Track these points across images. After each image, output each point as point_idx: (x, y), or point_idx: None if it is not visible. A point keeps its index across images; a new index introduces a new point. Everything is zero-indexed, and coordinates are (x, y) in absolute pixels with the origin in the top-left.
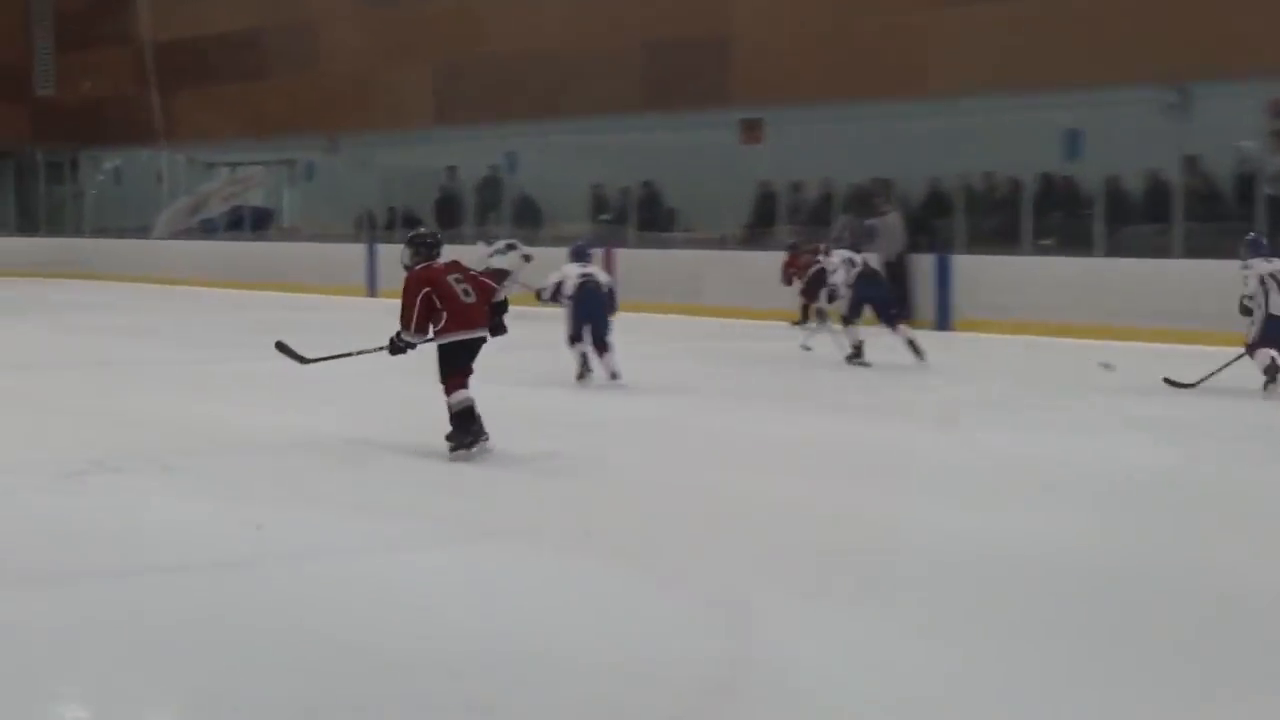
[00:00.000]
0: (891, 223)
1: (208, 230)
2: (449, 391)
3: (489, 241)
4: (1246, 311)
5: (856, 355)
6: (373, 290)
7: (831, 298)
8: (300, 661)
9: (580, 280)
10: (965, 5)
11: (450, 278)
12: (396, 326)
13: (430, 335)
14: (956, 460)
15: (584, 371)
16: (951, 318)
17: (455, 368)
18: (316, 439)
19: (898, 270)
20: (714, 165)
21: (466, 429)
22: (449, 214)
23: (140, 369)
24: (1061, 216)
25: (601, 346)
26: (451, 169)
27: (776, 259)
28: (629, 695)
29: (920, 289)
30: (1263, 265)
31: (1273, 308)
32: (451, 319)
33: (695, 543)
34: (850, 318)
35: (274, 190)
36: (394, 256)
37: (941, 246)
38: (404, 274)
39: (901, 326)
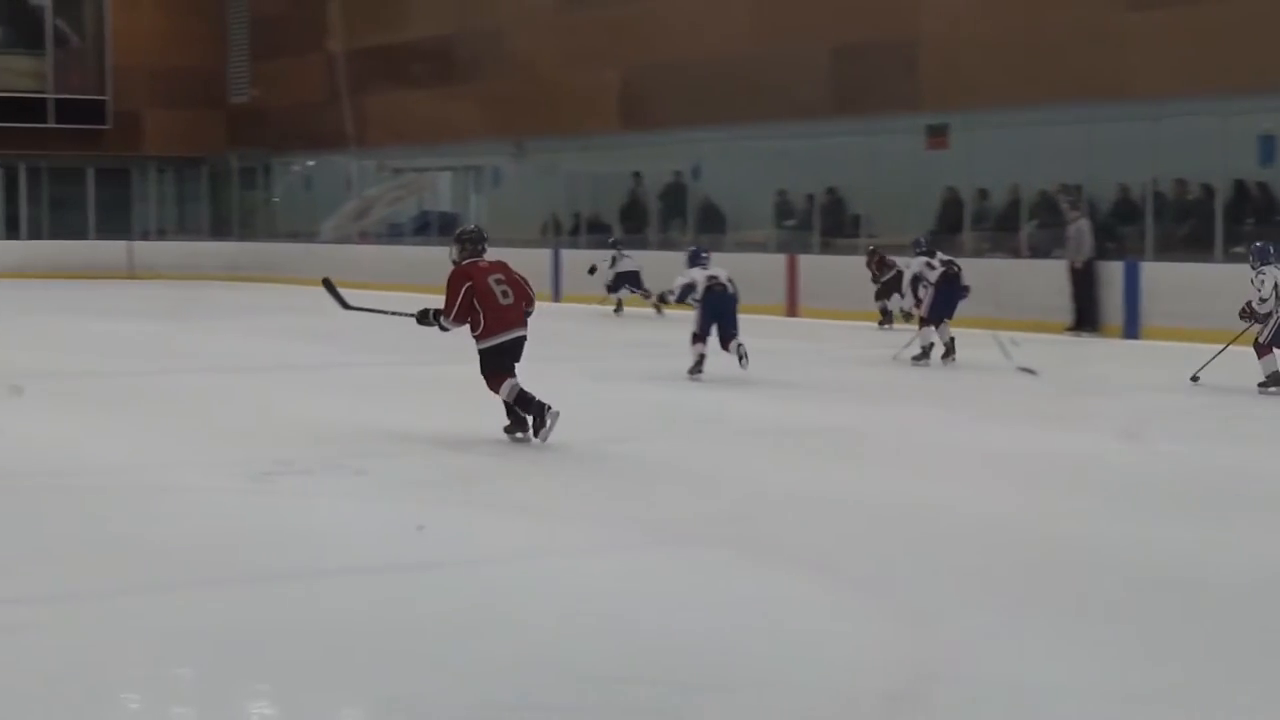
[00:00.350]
0: (1080, 229)
1: (394, 235)
2: (496, 388)
3: (614, 244)
4: (1247, 315)
5: (924, 356)
6: (557, 296)
7: (918, 302)
8: (486, 666)
9: (708, 283)
10: (1158, 7)
11: (491, 278)
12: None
13: (472, 332)
14: (1145, 470)
15: (697, 369)
16: (1139, 325)
17: (497, 370)
18: (503, 443)
19: (1085, 277)
20: (899, 171)
21: (525, 412)
22: (634, 220)
23: (330, 372)
24: (1255, 224)
25: (729, 340)
26: (636, 175)
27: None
28: (814, 706)
29: (1108, 296)
30: (1276, 271)
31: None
32: (489, 323)
33: (882, 552)
34: (930, 319)
35: (460, 195)
36: (580, 262)
37: (1130, 253)
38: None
39: (945, 325)
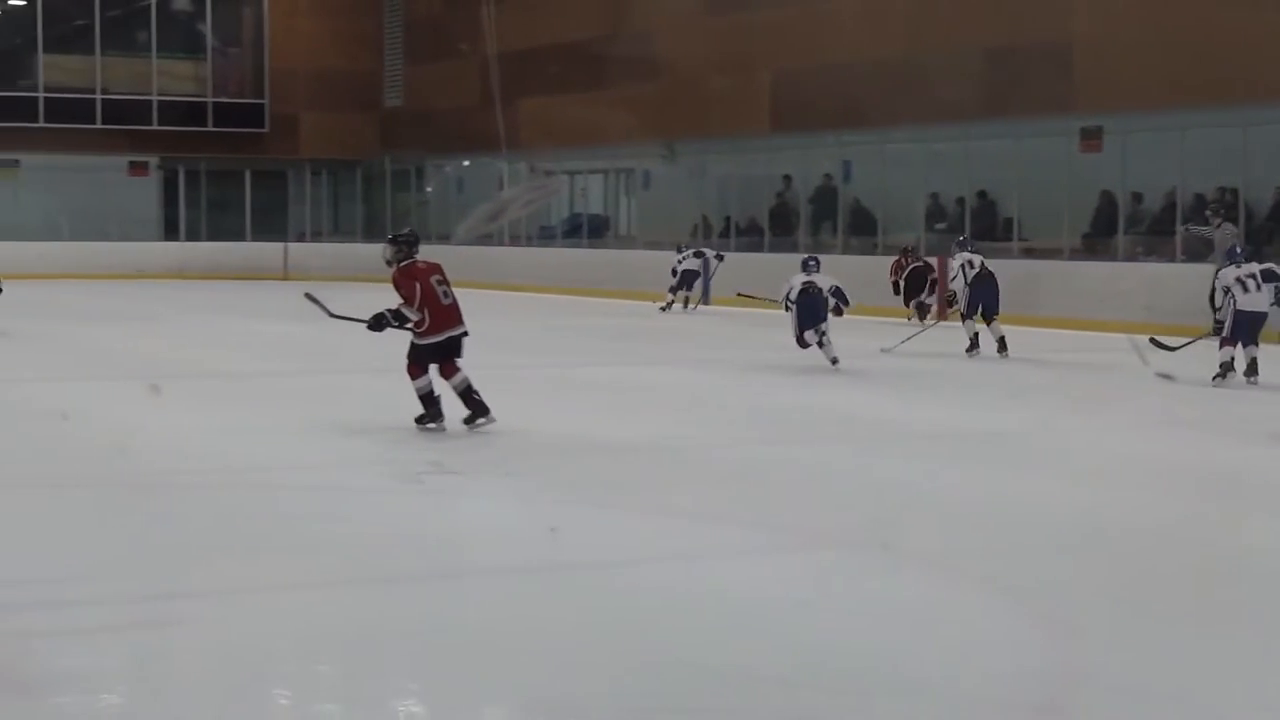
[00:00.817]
0: (1225, 235)
1: (546, 237)
2: (414, 377)
3: (680, 249)
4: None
5: (973, 347)
6: (706, 299)
7: (952, 301)
8: (631, 667)
9: (802, 287)
10: None
11: (432, 279)
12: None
13: (416, 329)
14: None
15: (802, 345)
16: None
17: (421, 363)
18: (660, 445)
19: None
20: (1052, 174)
21: (426, 408)
22: (783, 223)
23: (484, 373)
24: None
25: (820, 336)
26: (786, 178)
27: (1115, 270)
28: (967, 714)
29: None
30: (1232, 271)
31: (1241, 305)
32: (433, 321)
33: (1038, 560)
34: (967, 315)
35: (611, 198)
36: (732, 264)
37: None
38: (390, 271)
39: (995, 323)
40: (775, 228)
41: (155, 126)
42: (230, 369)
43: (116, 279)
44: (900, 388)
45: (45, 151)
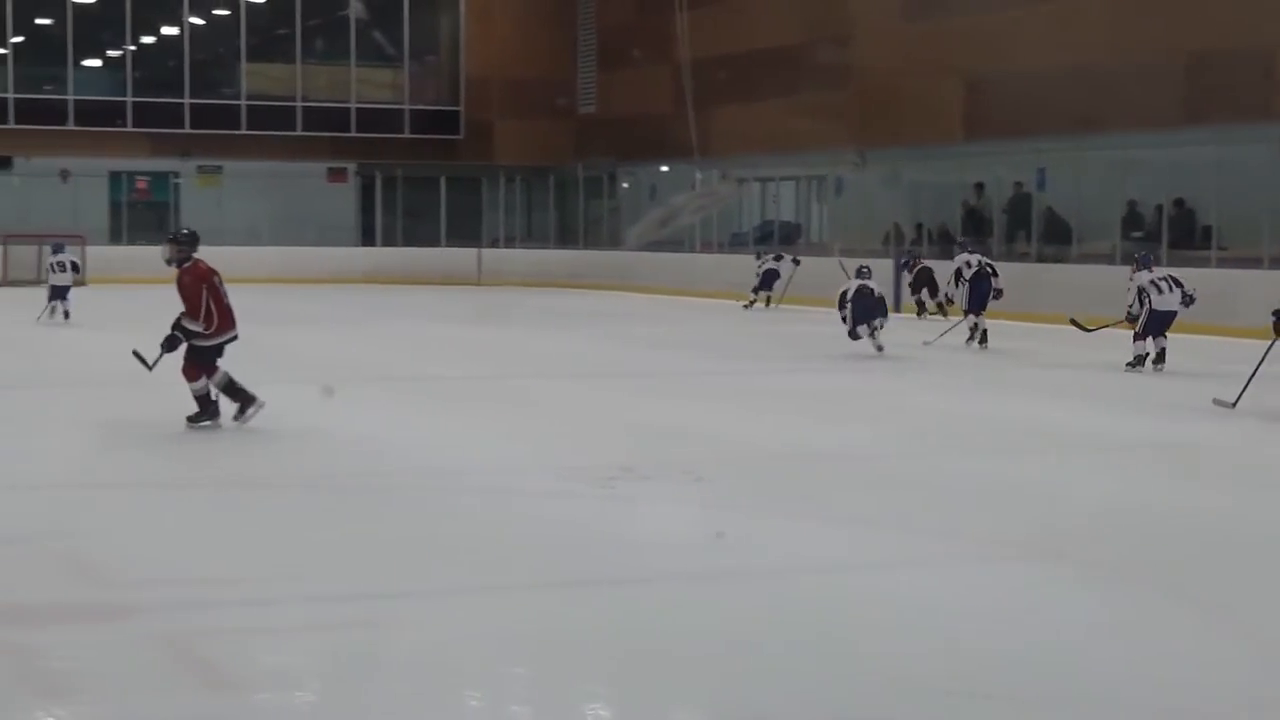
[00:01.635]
0: None
1: (738, 244)
2: (194, 379)
3: (759, 255)
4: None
5: (981, 338)
6: (897, 305)
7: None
8: (821, 676)
9: (858, 288)
10: None
11: (216, 278)
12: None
13: (205, 329)
14: None
15: (854, 337)
16: None
17: (201, 364)
18: (849, 453)
19: None
20: (1252, 182)
21: (210, 406)
22: (976, 230)
23: (676, 379)
24: None
25: (871, 329)
26: (979, 185)
27: None
28: None
29: None
30: (1145, 275)
31: (1156, 305)
32: (221, 321)
33: (1232, 575)
34: (970, 309)
35: (803, 205)
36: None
37: None
38: (175, 271)
39: (982, 315)
40: (968, 235)
41: (353, 133)
42: (427, 373)
43: (314, 284)
44: (1091, 399)
45: (247, 158)
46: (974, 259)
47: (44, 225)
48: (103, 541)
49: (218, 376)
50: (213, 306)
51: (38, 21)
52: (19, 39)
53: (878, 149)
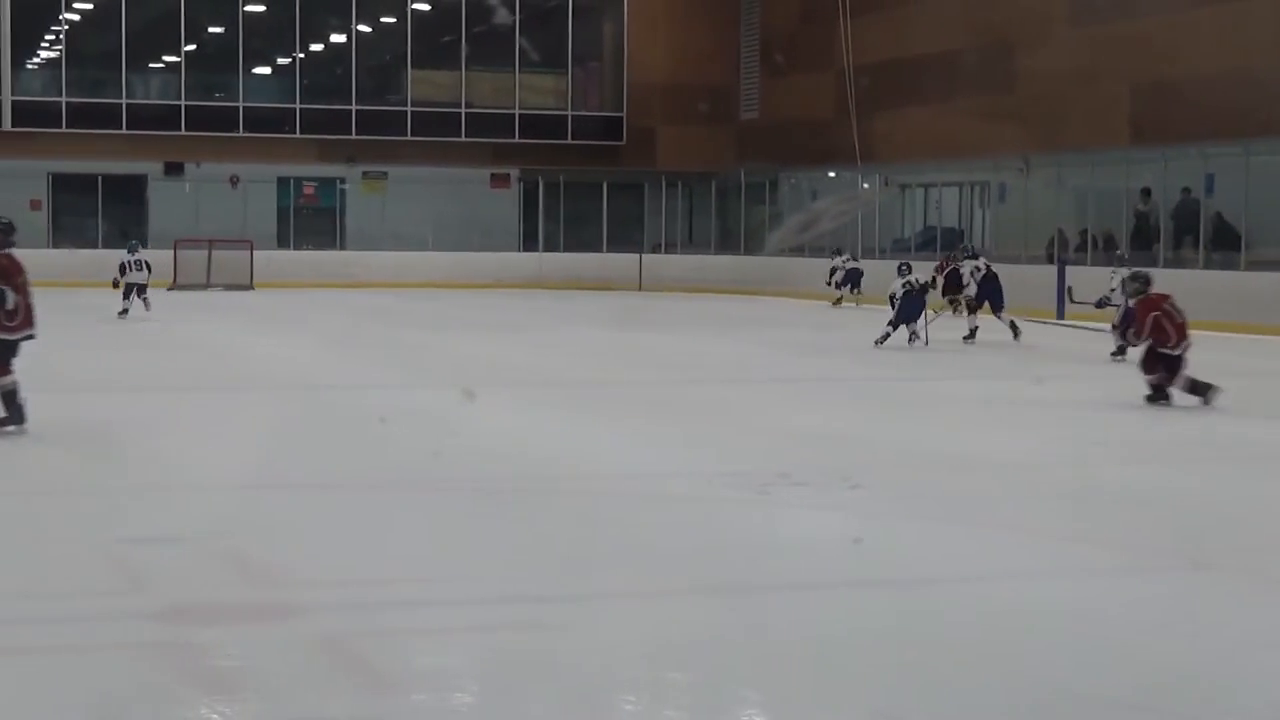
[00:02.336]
0: None
1: (900, 250)
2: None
3: (833, 255)
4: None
5: (971, 336)
6: (1060, 314)
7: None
8: (973, 684)
9: (904, 288)
10: None
11: (26, 274)
12: None
13: (8, 323)
14: None
15: (882, 341)
16: None
17: (4, 359)
18: (1004, 460)
19: None
20: None
21: (14, 409)
22: (1143, 237)
23: (832, 385)
24: None
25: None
26: (1145, 191)
27: None
28: None
29: None
30: (1124, 272)
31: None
32: (25, 316)
33: None
34: (974, 307)
35: (965, 210)
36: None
37: None
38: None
39: (1003, 313)
40: (1134, 242)
41: (516, 139)
42: (586, 378)
43: (476, 289)
44: (1247, 408)
45: (412, 164)
46: (981, 263)
47: (214, 230)
48: (266, 542)
49: (7, 380)
50: (18, 300)
51: (210, 30)
52: (191, 47)
53: (1042, 154)
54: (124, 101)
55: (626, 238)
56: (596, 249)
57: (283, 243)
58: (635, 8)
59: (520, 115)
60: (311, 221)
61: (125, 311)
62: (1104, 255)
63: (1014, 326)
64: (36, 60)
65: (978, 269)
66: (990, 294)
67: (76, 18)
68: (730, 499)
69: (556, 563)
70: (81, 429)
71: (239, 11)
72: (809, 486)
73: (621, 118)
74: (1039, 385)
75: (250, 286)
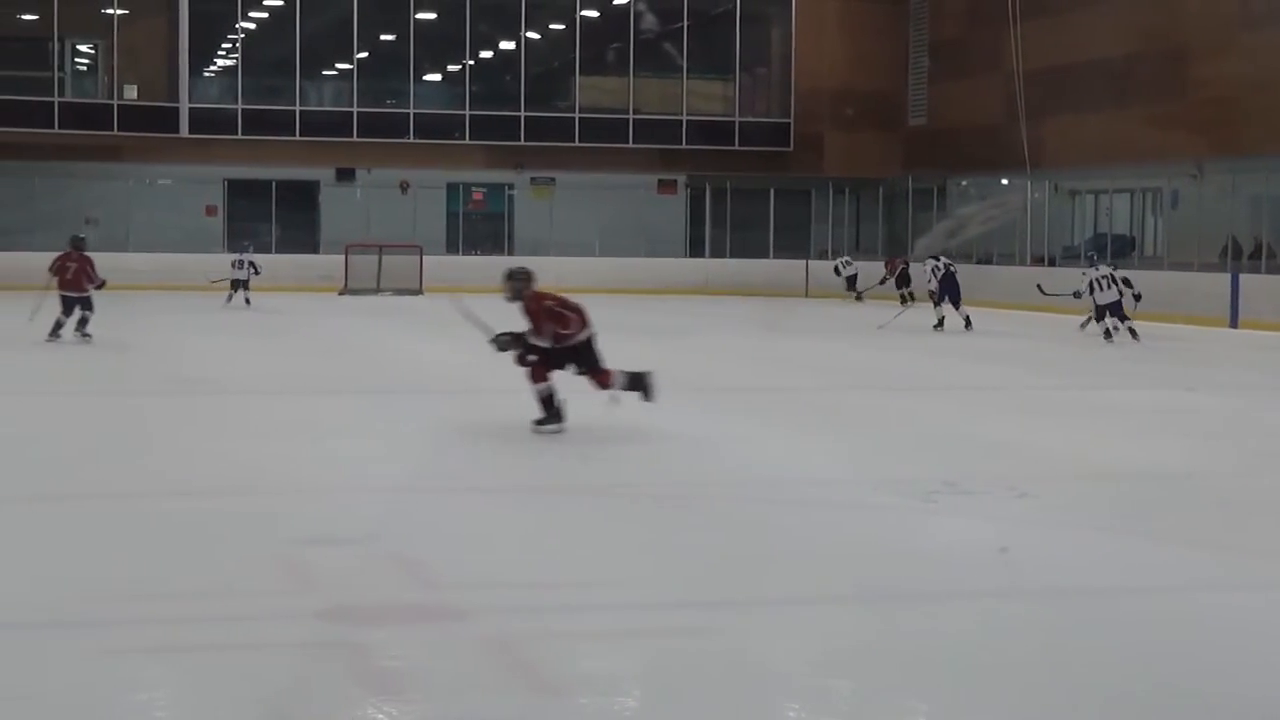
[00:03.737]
0: None
1: (1069, 257)
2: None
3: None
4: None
5: (940, 325)
6: (1234, 322)
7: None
8: (1143, 695)
9: (944, 271)
10: None
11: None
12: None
13: None
14: None
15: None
16: None
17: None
18: (1173, 471)
19: None
20: None
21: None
22: None
23: (1004, 393)
24: None
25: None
26: None
27: None
28: None
29: None
30: (1093, 272)
31: (1099, 300)
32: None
33: None
34: (938, 302)
35: (1137, 217)
36: (1260, 287)
37: None
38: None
39: (961, 307)
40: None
41: (684, 145)
42: (750, 384)
43: (643, 294)
44: None
45: (579, 170)
46: (942, 263)
47: (384, 235)
48: (434, 544)
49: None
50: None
51: (381, 38)
52: (363, 54)
53: (1216, 160)
54: (297, 108)
55: (793, 244)
56: (763, 255)
57: (451, 248)
58: (804, 14)
59: (687, 121)
60: (480, 227)
61: (229, 299)
62: (1269, 265)
63: (968, 320)
64: (213, 69)
65: (938, 268)
66: (949, 290)
67: (252, 27)
68: (896, 506)
69: (721, 568)
70: (250, 431)
71: (410, 19)
72: (974, 495)
73: (789, 124)
74: (1190, 393)
75: (419, 291)
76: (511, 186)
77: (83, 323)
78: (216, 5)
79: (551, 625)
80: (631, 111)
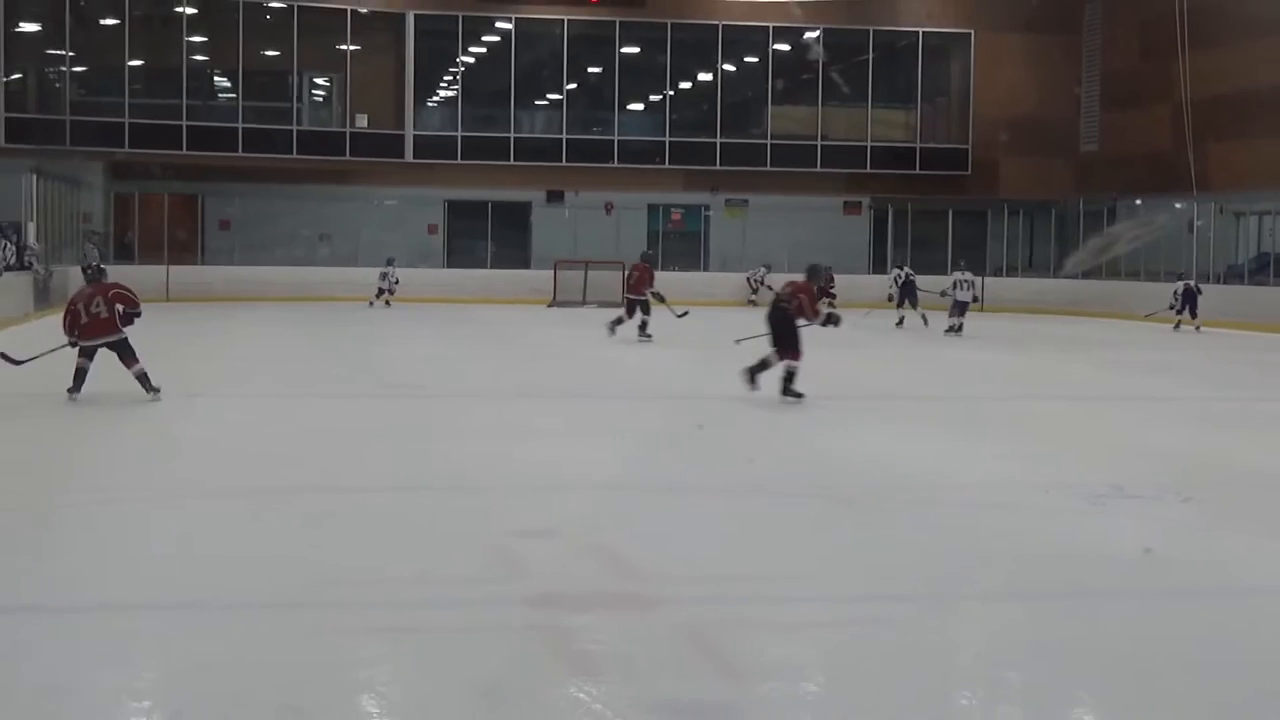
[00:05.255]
0: None
1: (1231, 275)
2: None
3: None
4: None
5: (900, 323)
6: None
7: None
8: (1212, 696)
9: (905, 279)
10: None
11: None
12: None
13: None
14: None
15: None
16: None
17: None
18: None
19: None
20: None
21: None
22: None
23: (1172, 404)
24: None
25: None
26: None
27: None
28: None
29: None
30: (956, 274)
31: (957, 296)
32: None
33: None
34: (899, 304)
35: None
36: None
37: None
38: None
39: (918, 309)
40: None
41: (868, 170)
42: (928, 393)
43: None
44: None
45: (770, 192)
46: (905, 272)
47: (589, 253)
48: (630, 538)
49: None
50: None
51: (589, 70)
52: (572, 86)
53: None
54: (512, 135)
55: (971, 261)
56: (942, 272)
57: (651, 264)
58: (982, 47)
59: (872, 147)
60: (678, 244)
61: (371, 304)
62: None
63: (924, 318)
64: (436, 99)
65: (899, 276)
66: (909, 295)
67: (472, 60)
68: (1065, 509)
69: (903, 565)
70: (464, 431)
71: (615, 53)
72: (1141, 499)
73: (967, 149)
74: None
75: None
76: (707, 208)
77: (144, 379)
78: (440, 41)
79: (742, 615)
80: (820, 138)
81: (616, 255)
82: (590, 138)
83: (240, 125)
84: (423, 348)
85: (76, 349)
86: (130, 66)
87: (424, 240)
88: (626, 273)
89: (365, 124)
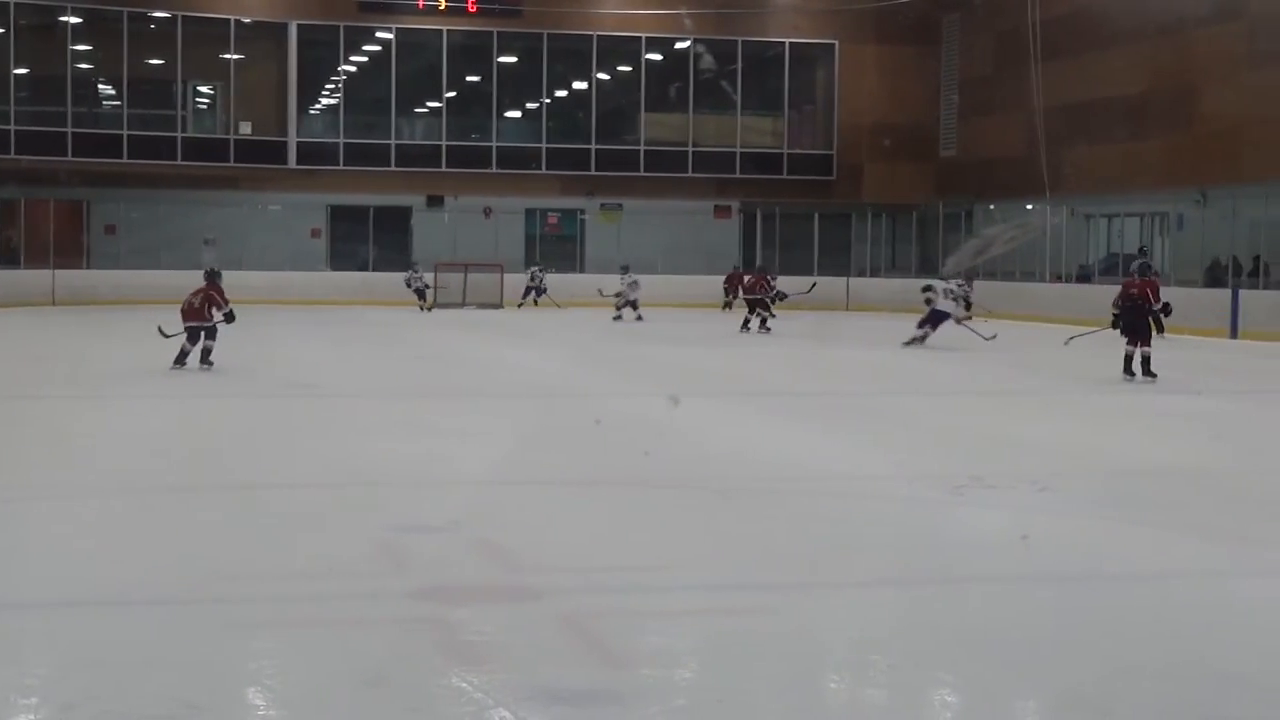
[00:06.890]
0: None
1: (1083, 276)
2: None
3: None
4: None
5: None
6: (1234, 333)
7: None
8: (1158, 672)
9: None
10: None
11: None
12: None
13: None
14: None
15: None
16: None
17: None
18: (1191, 468)
19: None
20: None
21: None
22: None
23: (1023, 397)
24: None
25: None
26: None
27: None
28: None
29: None
30: (940, 284)
31: (938, 306)
32: None
33: None
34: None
35: (1146, 239)
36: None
37: None
38: None
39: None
40: None
41: (738, 175)
42: (794, 388)
43: (702, 308)
44: None
45: (644, 197)
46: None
47: (468, 255)
48: (518, 531)
49: None
50: None
51: (467, 79)
52: (451, 94)
53: (1217, 187)
54: (393, 142)
55: (835, 263)
56: (808, 273)
57: (529, 266)
58: (846, 57)
59: (741, 153)
60: (555, 248)
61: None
62: (1275, 280)
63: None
64: (318, 107)
65: (814, 283)
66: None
67: (353, 69)
68: (926, 499)
69: (773, 555)
70: (350, 429)
71: (493, 62)
72: (999, 489)
73: (832, 155)
74: (1198, 396)
75: (500, 305)
76: (583, 212)
77: (205, 353)
78: (322, 51)
79: (620, 605)
80: (691, 144)
81: (495, 258)
82: (469, 144)
83: (125, 132)
84: (311, 349)
85: (184, 331)
86: (15, 75)
87: (307, 244)
88: (745, 280)
89: (249, 131)
